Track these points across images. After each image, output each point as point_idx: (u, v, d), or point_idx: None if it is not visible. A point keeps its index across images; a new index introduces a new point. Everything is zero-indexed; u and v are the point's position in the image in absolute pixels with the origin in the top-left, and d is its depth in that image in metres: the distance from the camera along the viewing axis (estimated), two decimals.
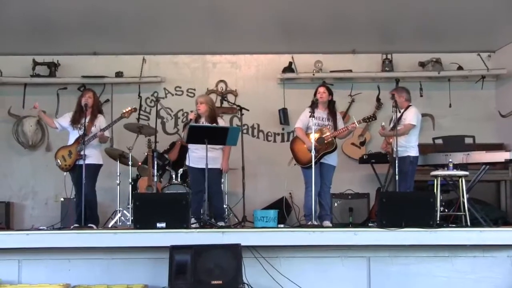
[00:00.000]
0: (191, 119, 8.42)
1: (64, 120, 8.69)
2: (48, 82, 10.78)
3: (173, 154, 9.89)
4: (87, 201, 8.25)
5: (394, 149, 8.21)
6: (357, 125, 8.40)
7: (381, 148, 9.05)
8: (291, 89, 10.89)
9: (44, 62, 10.75)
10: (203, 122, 8.43)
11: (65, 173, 8.68)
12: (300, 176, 8.44)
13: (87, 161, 8.26)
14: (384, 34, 10.50)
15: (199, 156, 8.27)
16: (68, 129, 8.64)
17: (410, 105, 8.72)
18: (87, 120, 8.42)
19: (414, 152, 8.53)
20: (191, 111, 8.88)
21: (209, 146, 8.03)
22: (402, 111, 8.62)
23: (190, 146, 8.43)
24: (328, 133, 8.27)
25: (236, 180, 9.67)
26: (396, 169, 8.09)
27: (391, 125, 8.61)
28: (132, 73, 10.86)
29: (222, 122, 8.74)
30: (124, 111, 8.74)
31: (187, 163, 8.53)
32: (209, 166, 8.02)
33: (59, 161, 8.54)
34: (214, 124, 8.40)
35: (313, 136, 8.09)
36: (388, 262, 7.15)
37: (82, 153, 8.22)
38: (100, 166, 8.61)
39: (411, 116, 8.55)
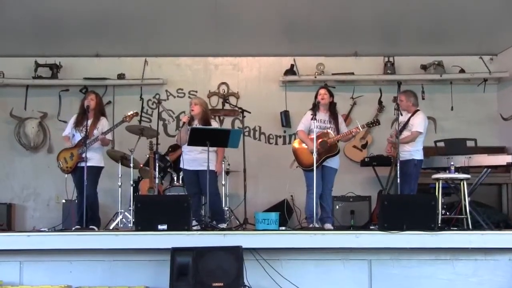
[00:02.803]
0: (184, 122, 8.43)
1: (69, 128, 8.67)
2: (50, 84, 10.79)
3: (174, 155, 9.91)
4: (88, 203, 8.25)
5: (400, 154, 8.25)
6: (361, 129, 8.39)
7: (386, 152, 9.00)
8: (293, 91, 10.89)
9: (46, 64, 10.76)
10: (196, 124, 8.42)
11: (66, 175, 8.68)
12: (301, 178, 8.43)
13: (88, 163, 8.26)
14: (386, 37, 10.50)
15: (192, 158, 8.32)
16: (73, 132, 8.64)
17: (418, 110, 8.72)
18: (89, 122, 8.41)
19: (419, 155, 8.53)
20: (184, 115, 8.87)
21: (202, 148, 8.06)
22: (409, 115, 8.62)
23: (183, 148, 8.46)
24: (332, 136, 8.26)
25: (237, 182, 9.69)
26: (398, 173, 8.09)
27: (393, 127, 8.59)
28: (134, 75, 10.87)
29: (215, 124, 8.78)
30: (126, 115, 8.75)
31: (181, 165, 8.55)
32: (203, 168, 8.05)
33: (60, 162, 8.55)
34: (217, 127, 8.41)
35: (315, 139, 8.08)
36: (389, 265, 7.15)
37: (83, 155, 8.22)
38: (101, 168, 8.61)
39: (418, 122, 8.54)
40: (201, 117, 8.47)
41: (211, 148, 8.15)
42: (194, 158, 8.28)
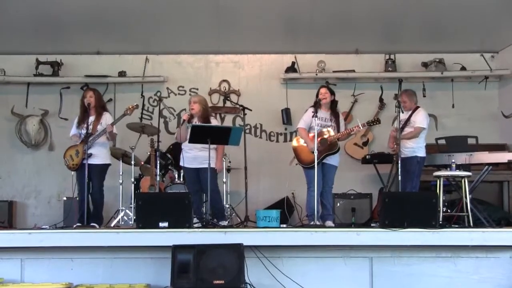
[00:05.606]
0: (184, 120, 8.43)
1: (74, 129, 8.62)
2: (51, 82, 10.80)
3: None
4: (93, 200, 8.27)
5: (402, 150, 8.28)
6: (361, 128, 8.40)
7: (389, 147, 8.99)
8: (294, 89, 10.88)
9: (47, 61, 10.76)
10: (195, 122, 8.41)
11: (73, 172, 8.65)
12: (302, 176, 8.43)
13: (95, 161, 8.29)
14: (387, 34, 10.51)
15: (192, 156, 8.30)
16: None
17: (419, 107, 8.75)
18: (92, 119, 8.41)
19: (421, 152, 8.56)
20: (184, 112, 8.87)
21: (202, 145, 8.05)
22: (409, 113, 8.66)
23: (183, 146, 8.44)
24: (332, 134, 8.26)
25: (238, 180, 9.70)
26: (400, 170, 8.09)
27: (395, 124, 8.60)
28: (135, 72, 10.87)
29: (215, 121, 8.78)
30: (127, 107, 8.72)
31: (181, 163, 8.54)
32: (203, 166, 8.05)
33: (67, 160, 8.53)
34: (217, 124, 8.41)
35: (316, 137, 8.07)
36: (390, 262, 7.14)
37: (88, 151, 8.20)
38: (107, 165, 8.58)
39: (420, 119, 8.60)
40: (200, 115, 8.46)
41: (210, 146, 8.17)
42: (195, 156, 8.26)
